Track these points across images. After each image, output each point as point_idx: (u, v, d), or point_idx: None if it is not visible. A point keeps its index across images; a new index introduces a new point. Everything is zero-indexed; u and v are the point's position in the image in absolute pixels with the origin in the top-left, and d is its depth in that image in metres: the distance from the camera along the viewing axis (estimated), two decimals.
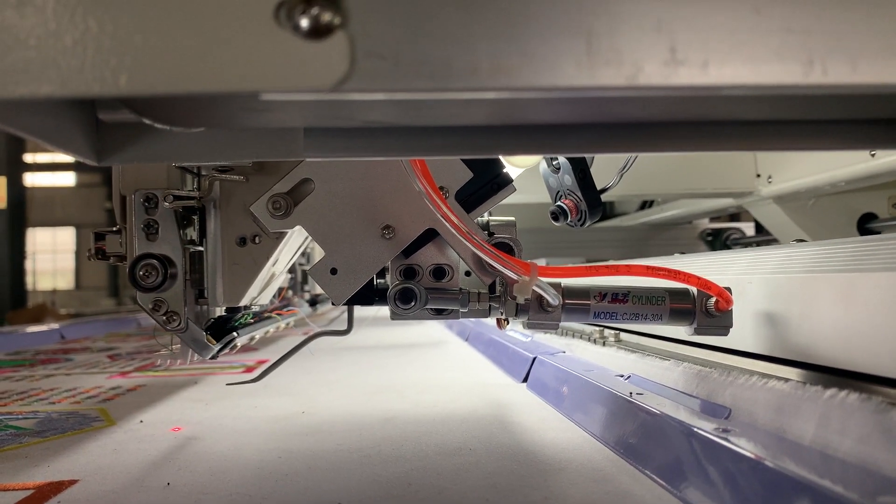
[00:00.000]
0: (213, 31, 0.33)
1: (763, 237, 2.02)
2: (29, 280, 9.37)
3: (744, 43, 0.34)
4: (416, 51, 0.33)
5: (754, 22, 0.35)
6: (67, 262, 13.04)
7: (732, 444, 0.55)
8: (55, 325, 2.88)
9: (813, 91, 0.36)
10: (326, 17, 0.32)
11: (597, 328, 1.29)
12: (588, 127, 0.49)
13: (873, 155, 1.24)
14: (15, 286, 7.99)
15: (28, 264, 8.85)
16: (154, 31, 0.33)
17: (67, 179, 12.93)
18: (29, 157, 9.29)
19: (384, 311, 0.77)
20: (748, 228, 2.42)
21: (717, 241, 2.42)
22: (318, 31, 0.33)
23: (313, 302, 2.04)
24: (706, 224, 2.53)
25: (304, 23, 0.32)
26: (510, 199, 0.77)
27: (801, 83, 0.35)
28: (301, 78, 0.33)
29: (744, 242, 2.26)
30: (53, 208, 12.44)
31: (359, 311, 0.98)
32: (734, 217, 2.59)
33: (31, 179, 9.51)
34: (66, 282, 13.03)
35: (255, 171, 0.77)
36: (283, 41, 0.33)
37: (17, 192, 8.16)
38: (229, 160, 0.61)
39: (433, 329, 2.46)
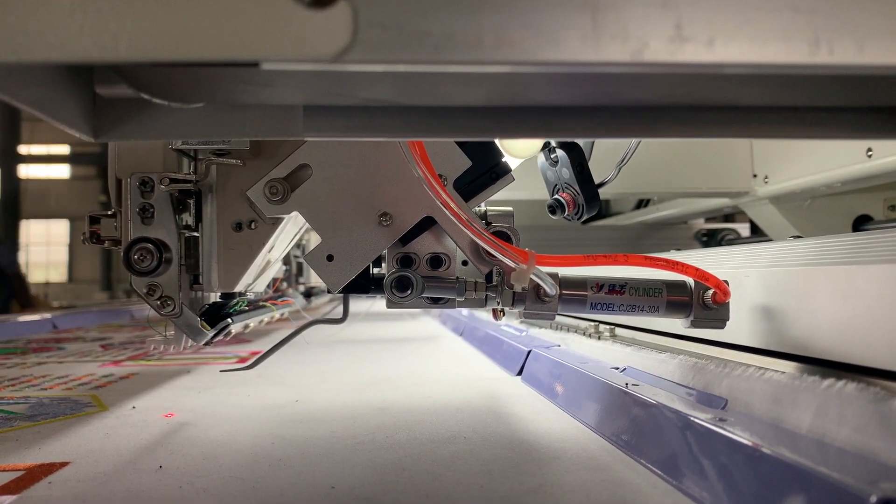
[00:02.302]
0: None
1: (758, 238, 2.02)
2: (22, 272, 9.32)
3: (750, 21, 0.34)
4: (420, 22, 0.33)
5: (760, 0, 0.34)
6: (61, 254, 13.00)
7: (729, 432, 0.55)
8: (48, 315, 2.86)
9: (818, 71, 0.35)
10: None
11: (591, 323, 1.29)
12: (590, 110, 0.49)
13: (870, 155, 1.24)
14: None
15: (21, 256, 8.81)
16: None
17: (62, 172, 12.89)
18: (24, 149, 9.24)
19: (378, 305, 0.76)
20: (743, 229, 2.43)
21: (712, 241, 2.42)
22: (321, 0, 0.32)
23: (308, 294, 2.03)
24: (701, 224, 2.54)
25: None
26: (505, 195, 0.77)
27: (807, 63, 0.35)
28: (302, 47, 0.33)
29: (738, 243, 2.26)
30: (48, 200, 12.39)
31: (353, 305, 0.98)
32: (729, 218, 2.60)
33: (25, 171, 9.47)
34: (59, 274, 12.98)
35: (252, 156, 0.76)
36: (285, 9, 0.33)
37: (12, 184, 8.12)
38: (228, 138, 0.61)
39: (427, 324, 2.46)
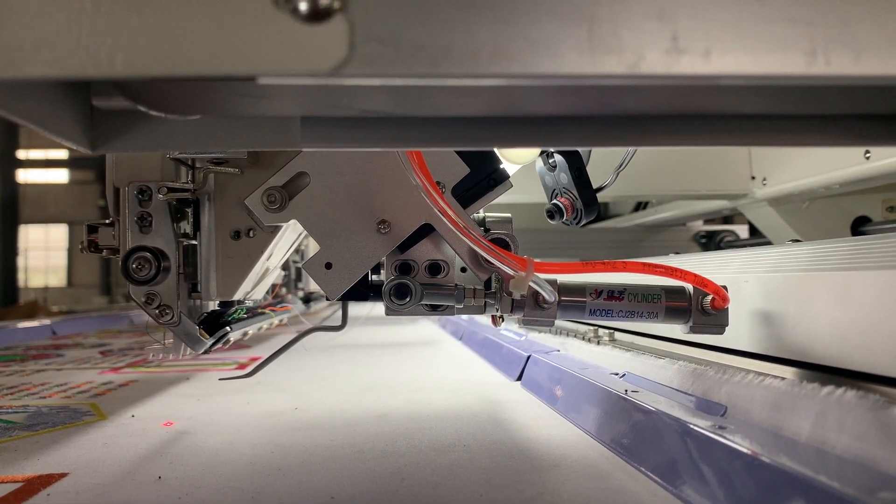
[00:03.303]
0: (210, 13, 0.32)
1: (756, 240, 2.02)
2: (21, 277, 9.31)
3: (746, 32, 0.34)
4: (416, 36, 0.33)
5: (757, 11, 0.34)
6: (60, 259, 12.99)
7: (728, 440, 0.55)
8: (46, 321, 2.86)
9: (815, 82, 0.35)
10: (325, 0, 0.32)
11: (591, 327, 1.29)
12: (586, 119, 0.49)
13: (868, 157, 1.24)
14: (6, 283, 7.95)
15: (20, 261, 8.80)
16: (150, 12, 0.32)
17: (61, 176, 12.88)
18: (22, 154, 9.24)
19: (377, 310, 0.76)
20: (742, 231, 2.43)
21: (711, 243, 2.42)
22: (318, 15, 0.32)
23: (307, 300, 2.03)
24: (700, 226, 2.54)
25: (303, 6, 0.32)
26: (505, 198, 0.77)
27: (804, 74, 0.35)
28: (299, 62, 0.33)
29: (737, 245, 2.26)
30: (46, 205, 12.37)
31: (352, 309, 0.97)
32: (728, 220, 2.60)
33: (23, 176, 9.46)
34: (58, 279, 12.97)
35: (250, 164, 0.76)
36: (281, 24, 0.33)
37: (10, 189, 8.12)
38: (225, 149, 0.61)
39: (427, 328, 2.46)
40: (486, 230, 0.74)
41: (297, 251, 1.80)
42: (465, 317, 2.12)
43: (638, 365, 0.92)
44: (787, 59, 0.34)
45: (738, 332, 0.79)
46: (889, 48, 0.34)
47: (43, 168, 12.56)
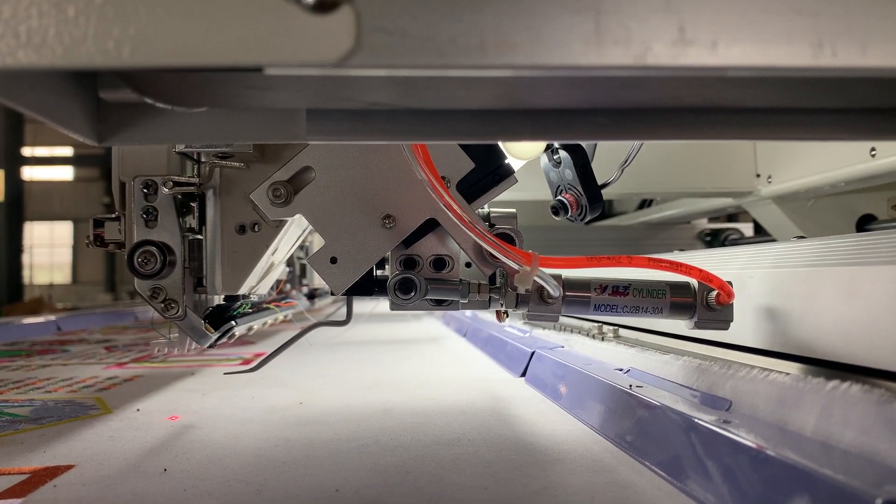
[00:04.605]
0: (218, 3, 0.32)
1: (761, 238, 2.02)
2: (26, 274, 9.35)
3: (753, 23, 0.34)
4: (423, 27, 0.33)
5: (763, 3, 0.34)
6: (65, 256, 13.03)
7: (733, 434, 0.55)
8: (52, 317, 2.87)
9: (821, 74, 0.35)
10: None
11: (595, 324, 1.29)
12: (593, 112, 0.49)
13: (874, 155, 1.23)
14: (12, 280, 7.97)
15: (25, 258, 8.83)
16: (158, 2, 0.32)
17: (65, 173, 12.91)
18: (27, 151, 9.27)
19: (381, 306, 0.76)
20: (747, 229, 2.42)
21: (716, 241, 2.42)
22: (324, 5, 0.33)
23: (311, 296, 2.03)
24: (705, 224, 2.53)
25: None
26: (509, 195, 0.77)
27: (810, 65, 0.35)
28: (306, 52, 0.33)
29: (742, 243, 2.26)
30: (51, 202, 12.42)
31: (357, 306, 0.98)
32: (732, 218, 2.59)
33: (29, 173, 9.49)
34: (62, 276, 13.01)
35: (255, 159, 0.76)
36: (288, 14, 0.33)
37: (15, 186, 8.14)
38: (231, 141, 0.61)
39: (431, 325, 2.46)
40: (491, 225, 0.74)
41: (301, 247, 1.80)
42: (468, 314, 2.12)
43: (642, 360, 0.92)
44: (794, 50, 0.34)
45: (743, 328, 0.79)
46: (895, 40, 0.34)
47: (48, 165, 12.61)
